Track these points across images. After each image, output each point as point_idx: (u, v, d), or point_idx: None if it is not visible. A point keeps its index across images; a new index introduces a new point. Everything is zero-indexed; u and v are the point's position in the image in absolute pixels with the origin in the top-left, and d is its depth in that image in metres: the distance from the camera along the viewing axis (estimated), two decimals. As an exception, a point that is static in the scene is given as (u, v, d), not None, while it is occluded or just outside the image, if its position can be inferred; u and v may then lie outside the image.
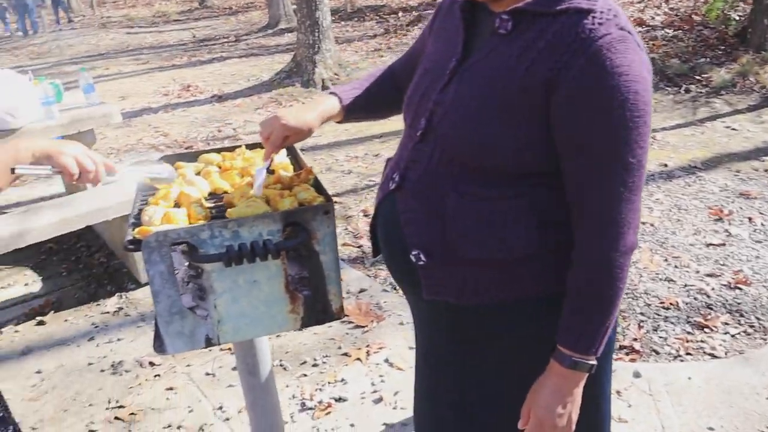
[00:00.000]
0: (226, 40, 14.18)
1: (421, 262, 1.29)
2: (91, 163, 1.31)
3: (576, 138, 1.13)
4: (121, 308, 3.49)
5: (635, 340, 2.94)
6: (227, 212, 1.41)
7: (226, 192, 1.59)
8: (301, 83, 8.46)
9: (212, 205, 1.52)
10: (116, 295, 3.63)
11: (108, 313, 3.46)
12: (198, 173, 1.69)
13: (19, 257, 4.05)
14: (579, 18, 1.11)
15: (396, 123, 6.27)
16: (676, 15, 9.27)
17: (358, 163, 5.59)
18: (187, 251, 1.36)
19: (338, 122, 1.56)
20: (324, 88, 8.35)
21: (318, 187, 1.55)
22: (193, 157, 1.80)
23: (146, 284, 3.65)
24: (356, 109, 1.54)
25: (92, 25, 19.27)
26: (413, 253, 1.29)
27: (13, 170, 1.25)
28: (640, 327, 3.04)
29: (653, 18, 9.32)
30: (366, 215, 4.45)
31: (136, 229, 1.35)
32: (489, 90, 1.17)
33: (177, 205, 1.47)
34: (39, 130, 3.43)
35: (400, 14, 14.02)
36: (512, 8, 1.17)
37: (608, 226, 1.14)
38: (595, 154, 1.12)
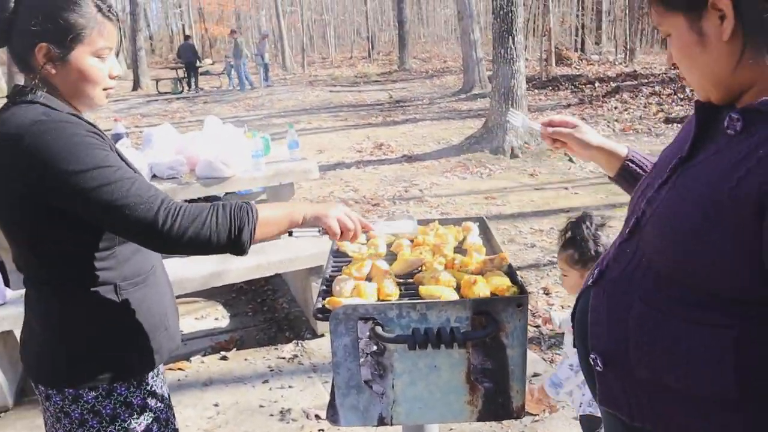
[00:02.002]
0: (420, 102, 14.75)
1: (598, 368, 1.19)
2: (351, 224, 1.47)
3: None
4: (296, 356, 3.62)
5: None
6: (419, 290, 1.38)
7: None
8: (490, 150, 8.48)
9: (402, 281, 1.50)
10: (293, 342, 3.77)
11: (284, 358, 3.60)
12: (390, 244, 1.69)
13: (213, 292, 4.38)
14: None
15: (584, 197, 5.99)
16: None
17: (542, 237, 5.40)
18: (373, 328, 1.34)
19: (610, 177, 1.53)
20: (513, 156, 8.30)
21: (511, 274, 1.47)
22: (386, 226, 1.81)
23: (322, 335, 3.75)
24: (630, 173, 1.49)
25: (301, 83, 21.11)
26: (592, 356, 1.20)
27: (290, 233, 1.45)
28: None
29: None
30: (546, 293, 4.25)
31: (327, 299, 1.36)
32: (697, 196, 1.04)
33: (369, 278, 1.47)
34: (246, 180, 3.72)
35: (597, 84, 13.68)
36: (744, 106, 1.03)
37: None
38: None
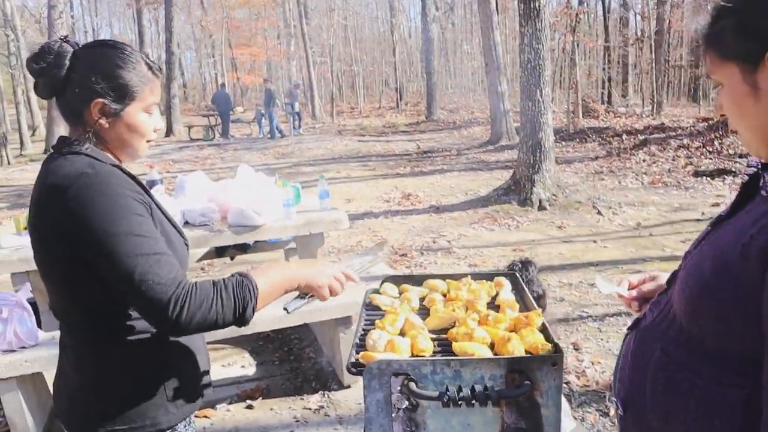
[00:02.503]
0: (448, 153, 14.85)
1: (620, 412, 1.21)
2: (339, 287, 1.56)
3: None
4: (322, 407, 3.58)
5: None
6: (453, 346, 1.38)
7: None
8: (518, 201, 8.47)
9: (435, 336, 1.50)
10: (319, 392, 3.74)
11: (309, 409, 3.56)
12: (422, 299, 1.70)
13: (240, 339, 4.40)
14: None
15: (613, 251, 5.89)
16: None
17: (571, 291, 5.34)
18: (407, 383, 1.33)
19: None
20: (541, 208, 8.27)
21: (546, 332, 1.46)
22: (418, 280, 1.82)
23: (348, 387, 3.72)
24: None
25: (330, 132, 21.43)
26: (614, 399, 1.23)
27: (286, 310, 1.58)
28: None
29: None
30: (576, 349, 4.18)
31: (361, 353, 1.37)
32: (716, 252, 1.05)
33: (402, 332, 1.47)
34: (277, 229, 3.76)
35: (624, 137, 13.68)
36: None
37: None
38: None
